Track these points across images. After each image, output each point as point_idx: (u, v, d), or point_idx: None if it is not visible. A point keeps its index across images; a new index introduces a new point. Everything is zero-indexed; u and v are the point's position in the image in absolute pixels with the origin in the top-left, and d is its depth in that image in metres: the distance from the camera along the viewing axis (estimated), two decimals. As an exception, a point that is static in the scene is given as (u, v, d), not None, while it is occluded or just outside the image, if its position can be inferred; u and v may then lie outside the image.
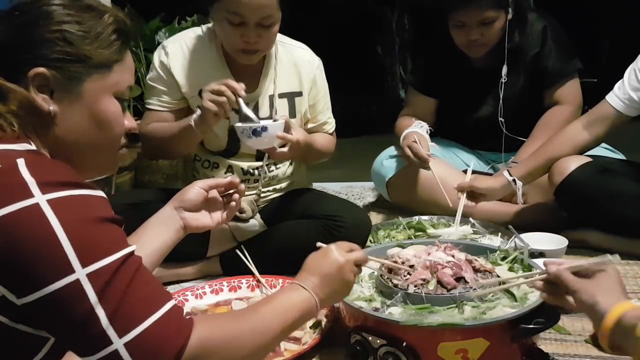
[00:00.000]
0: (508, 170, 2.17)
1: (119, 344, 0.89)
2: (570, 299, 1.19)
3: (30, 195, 0.87)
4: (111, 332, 0.88)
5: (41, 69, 0.98)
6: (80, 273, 0.87)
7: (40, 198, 0.87)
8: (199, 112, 1.87)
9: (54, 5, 1.01)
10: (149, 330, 0.90)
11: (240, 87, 1.83)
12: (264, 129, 1.83)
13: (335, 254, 1.23)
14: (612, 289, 1.15)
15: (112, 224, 0.94)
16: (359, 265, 1.28)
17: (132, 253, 0.94)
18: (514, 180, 2.14)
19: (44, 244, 0.86)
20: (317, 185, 2.52)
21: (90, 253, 0.88)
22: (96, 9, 1.04)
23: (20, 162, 0.90)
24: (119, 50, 1.06)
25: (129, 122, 1.11)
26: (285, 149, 1.92)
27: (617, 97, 2.05)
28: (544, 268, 1.26)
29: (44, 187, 0.88)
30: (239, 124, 1.85)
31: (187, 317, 0.98)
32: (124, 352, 0.89)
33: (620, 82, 2.07)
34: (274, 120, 1.94)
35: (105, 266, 0.89)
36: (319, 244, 1.31)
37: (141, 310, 0.91)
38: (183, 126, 1.93)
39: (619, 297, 1.12)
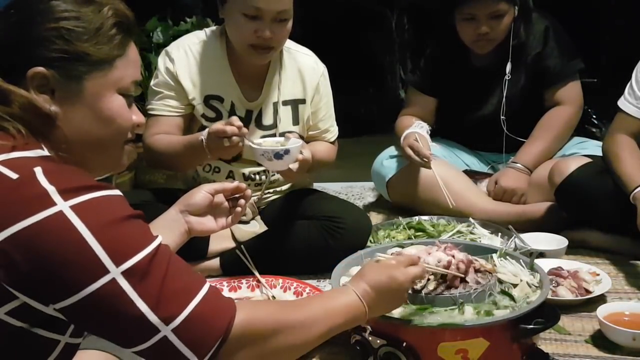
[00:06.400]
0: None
1: (166, 330, 0.90)
2: None
3: (52, 203, 0.86)
4: (157, 322, 0.89)
5: (39, 69, 0.95)
6: (115, 272, 0.87)
7: (63, 205, 0.86)
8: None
9: (51, 1, 0.98)
10: (194, 313, 0.92)
11: (241, 126, 1.77)
12: (287, 152, 1.80)
13: (395, 271, 1.23)
14: None
15: (136, 220, 0.94)
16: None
17: (160, 244, 0.94)
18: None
19: (74, 250, 0.86)
20: (317, 186, 2.51)
21: (122, 252, 0.89)
22: (95, 2, 1.00)
23: (38, 171, 0.88)
24: (120, 45, 1.01)
25: (137, 117, 1.07)
26: (295, 167, 1.87)
27: (632, 105, 2.00)
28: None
29: (65, 194, 0.87)
30: (259, 147, 1.81)
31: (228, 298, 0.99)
32: (173, 338, 0.90)
33: (628, 87, 2.02)
34: (280, 136, 1.91)
35: (139, 262, 0.89)
36: (378, 255, 1.34)
37: (182, 296, 0.92)
38: (193, 145, 1.87)
39: None
